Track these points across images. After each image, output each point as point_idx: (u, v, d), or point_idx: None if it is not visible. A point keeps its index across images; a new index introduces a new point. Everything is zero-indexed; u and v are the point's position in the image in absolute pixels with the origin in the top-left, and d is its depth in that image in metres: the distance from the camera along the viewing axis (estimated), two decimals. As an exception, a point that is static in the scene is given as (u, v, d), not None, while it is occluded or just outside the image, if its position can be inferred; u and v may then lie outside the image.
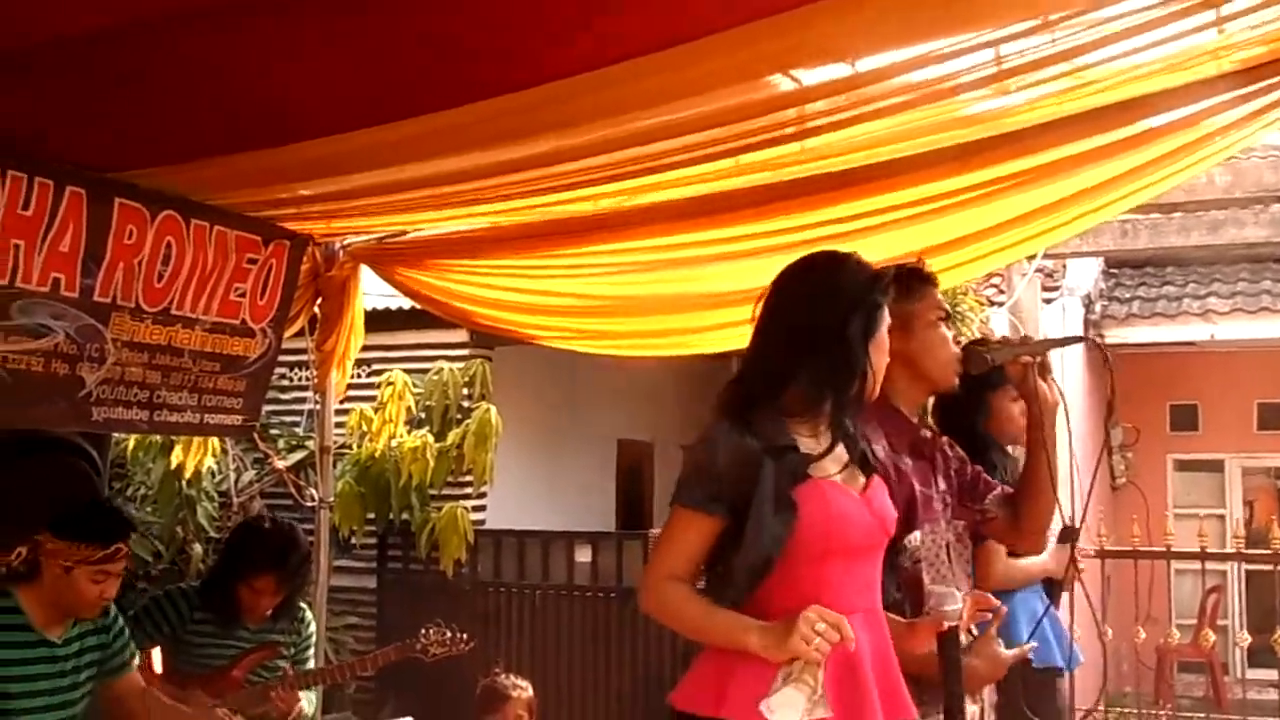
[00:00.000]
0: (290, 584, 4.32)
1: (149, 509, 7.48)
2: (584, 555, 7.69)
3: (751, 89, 3.55)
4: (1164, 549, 5.90)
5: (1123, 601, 6.17)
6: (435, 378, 7.92)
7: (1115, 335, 10.29)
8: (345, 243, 5.50)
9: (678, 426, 10.56)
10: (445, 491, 7.75)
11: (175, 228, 4.44)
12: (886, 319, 2.64)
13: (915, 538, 2.60)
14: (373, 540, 8.35)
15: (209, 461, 6.91)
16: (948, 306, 3.11)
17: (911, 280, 3.03)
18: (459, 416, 7.70)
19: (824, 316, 2.58)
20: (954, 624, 2.50)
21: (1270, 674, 6.59)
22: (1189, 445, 6.43)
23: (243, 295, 4.83)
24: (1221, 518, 10.79)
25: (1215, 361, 11.27)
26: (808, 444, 2.56)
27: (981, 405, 3.49)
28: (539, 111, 3.68)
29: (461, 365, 8.02)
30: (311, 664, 4.47)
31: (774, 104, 3.57)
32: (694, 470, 2.55)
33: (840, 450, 2.60)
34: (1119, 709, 6.46)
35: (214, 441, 6.74)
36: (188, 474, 6.87)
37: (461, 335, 8.44)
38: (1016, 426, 3.56)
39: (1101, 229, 8.83)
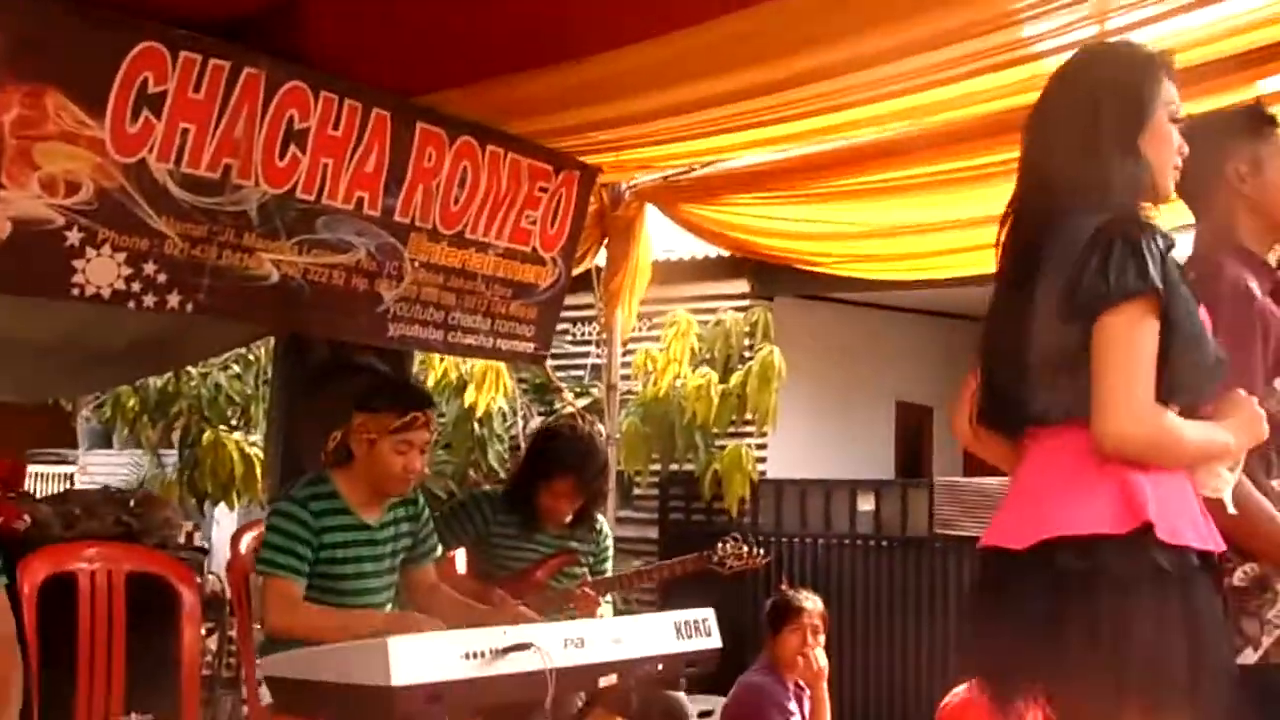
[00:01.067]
0: (588, 489, 4.38)
1: (442, 450, 7.80)
2: (866, 504, 7.63)
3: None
4: None
5: None
6: (718, 325, 7.99)
7: None
8: (631, 183, 5.66)
9: (957, 393, 10.37)
10: (728, 435, 7.82)
11: (471, 153, 4.64)
12: (1163, 108, 2.32)
13: (1240, 394, 2.38)
14: (655, 491, 8.49)
15: (500, 402, 7.16)
16: None
17: (1257, 120, 2.78)
18: (741, 364, 7.73)
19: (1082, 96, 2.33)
20: None
21: None
22: None
23: (534, 223, 4.99)
24: None
25: None
26: None
27: None
28: (816, 18, 3.72)
29: (744, 313, 8.07)
30: (609, 570, 4.56)
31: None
32: (1142, 260, 2.13)
33: None
34: None
35: (505, 381, 7.00)
36: (480, 412, 7.13)
37: (743, 285, 8.52)
38: None
39: None
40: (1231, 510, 2.27)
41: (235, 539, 3.95)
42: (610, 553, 4.55)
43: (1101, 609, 2.10)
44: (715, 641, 3.40)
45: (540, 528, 4.36)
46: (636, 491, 8.26)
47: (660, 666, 3.24)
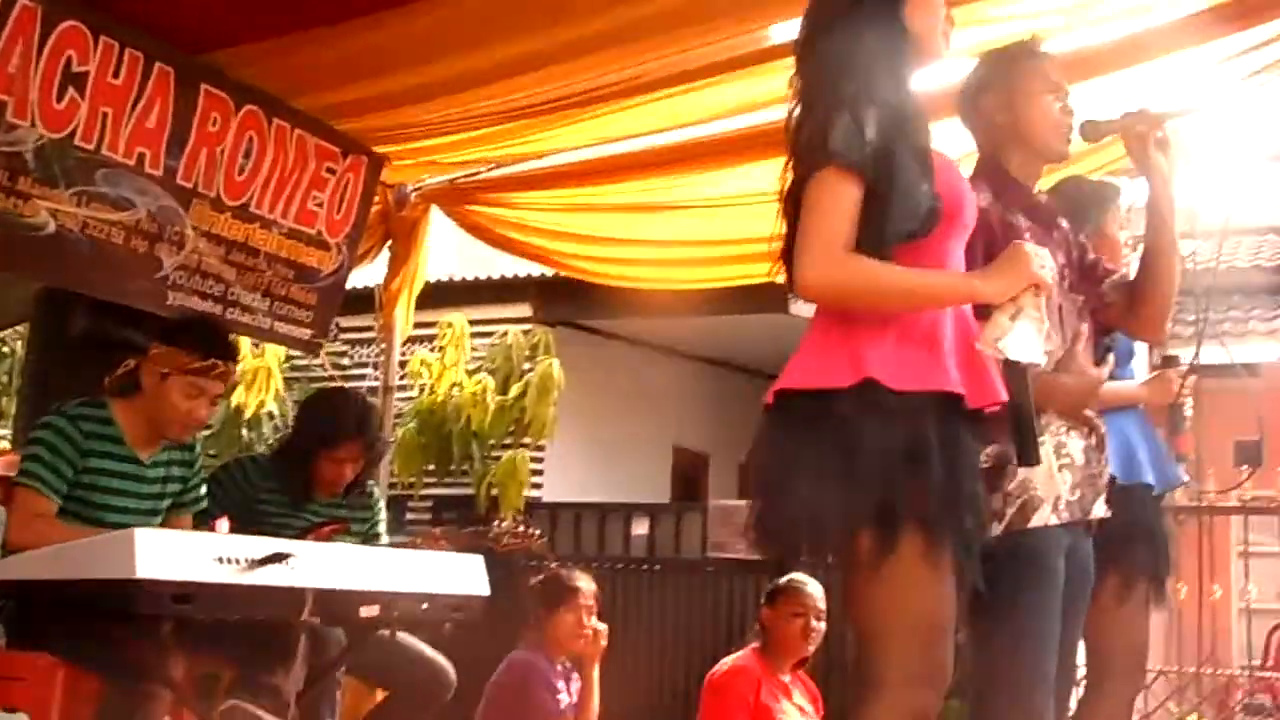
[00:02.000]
0: (373, 451, 4.24)
1: (210, 452, 7.51)
2: (641, 528, 7.67)
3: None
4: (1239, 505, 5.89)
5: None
6: (500, 341, 7.97)
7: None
8: (418, 184, 5.63)
9: (734, 441, 10.56)
10: (504, 447, 7.73)
11: (257, 123, 4.56)
12: None
13: (1017, 244, 2.51)
14: (428, 515, 8.36)
15: (270, 405, 6.99)
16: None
17: (1018, 53, 2.98)
18: (521, 379, 7.72)
19: None
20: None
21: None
22: (1255, 482, 6.31)
23: (320, 205, 4.93)
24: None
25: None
26: None
27: (1082, 217, 3.37)
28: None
29: (526, 335, 8.07)
30: (384, 540, 4.39)
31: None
32: (842, 131, 2.27)
33: None
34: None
35: (276, 382, 6.82)
36: (249, 412, 6.94)
37: (525, 309, 8.56)
38: (1115, 260, 3.33)
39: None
40: (1015, 358, 2.36)
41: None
42: (383, 519, 4.41)
43: (828, 445, 2.26)
44: (484, 589, 3.34)
45: (312, 497, 4.18)
46: (410, 516, 8.14)
47: (425, 606, 3.16)
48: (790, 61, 2.56)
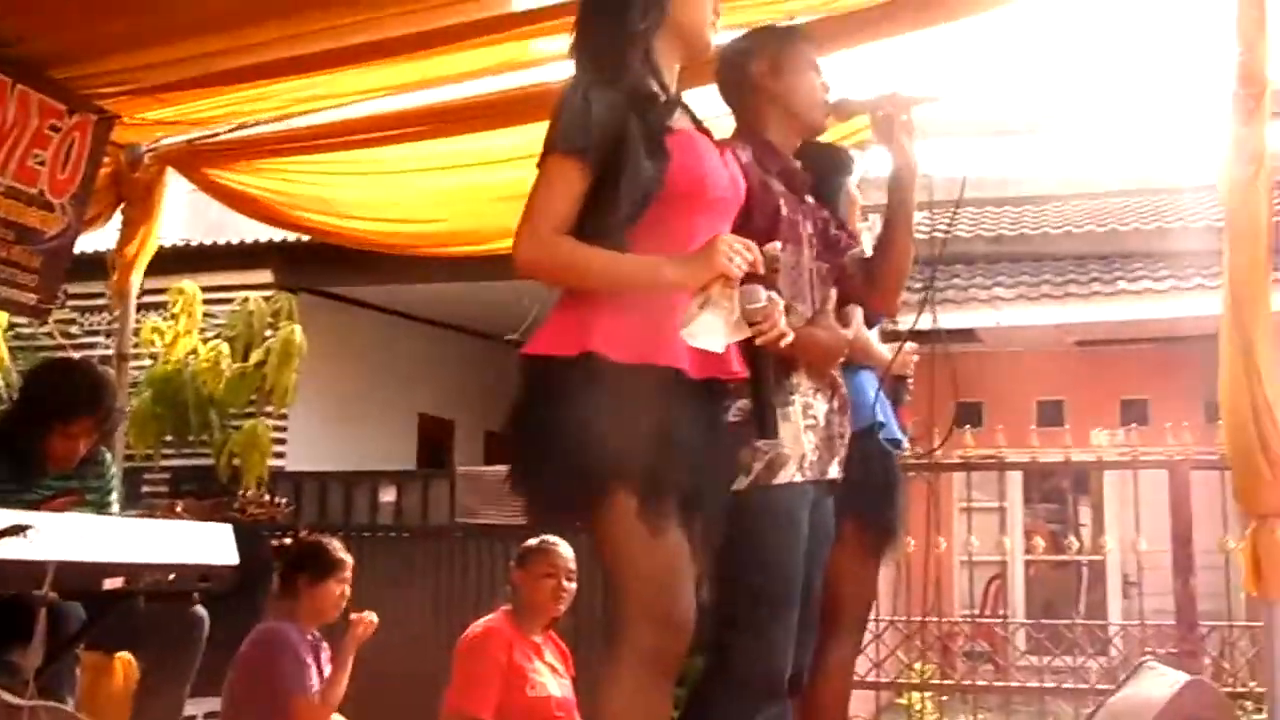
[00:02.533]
0: (108, 423, 4.07)
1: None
2: (388, 495, 7.61)
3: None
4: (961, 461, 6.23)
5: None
6: (240, 308, 7.74)
7: (906, 321, 10.68)
8: (153, 145, 5.42)
9: (479, 408, 10.59)
10: (245, 416, 7.54)
11: (-29, 76, 4.31)
12: None
13: (775, 246, 2.61)
14: (165, 488, 8.10)
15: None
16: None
17: (785, 32, 3.17)
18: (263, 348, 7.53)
19: None
20: (758, 323, 2.51)
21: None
22: (975, 442, 6.69)
23: (42, 164, 4.71)
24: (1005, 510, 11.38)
25: (997, 361, 11.84)
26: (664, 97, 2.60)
27: (837, 192, 3.54)
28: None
29: (268, 295, 7.87)
30: (115, 510, 4.22)
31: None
32: (570, 117, 2.45)
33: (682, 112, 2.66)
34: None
35: (3, 353, 6.48)
36: (-33, 385, 6.58)
37: (266, 275, 8.37)
38: (850, 222, 3.55)
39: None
40: (698, 345, 2.44)
41: None
42: (115, 487, 4.22)
43: (555, 410, 2.43)
44: (232, 558, 3.28)
45: (43, 471, 3.98)
46: (147, 488, 7.85)
47: (172, 576, 3.08)
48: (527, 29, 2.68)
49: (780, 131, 3.07)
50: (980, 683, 6.44)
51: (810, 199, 3.14)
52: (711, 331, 2.40)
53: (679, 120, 2.62)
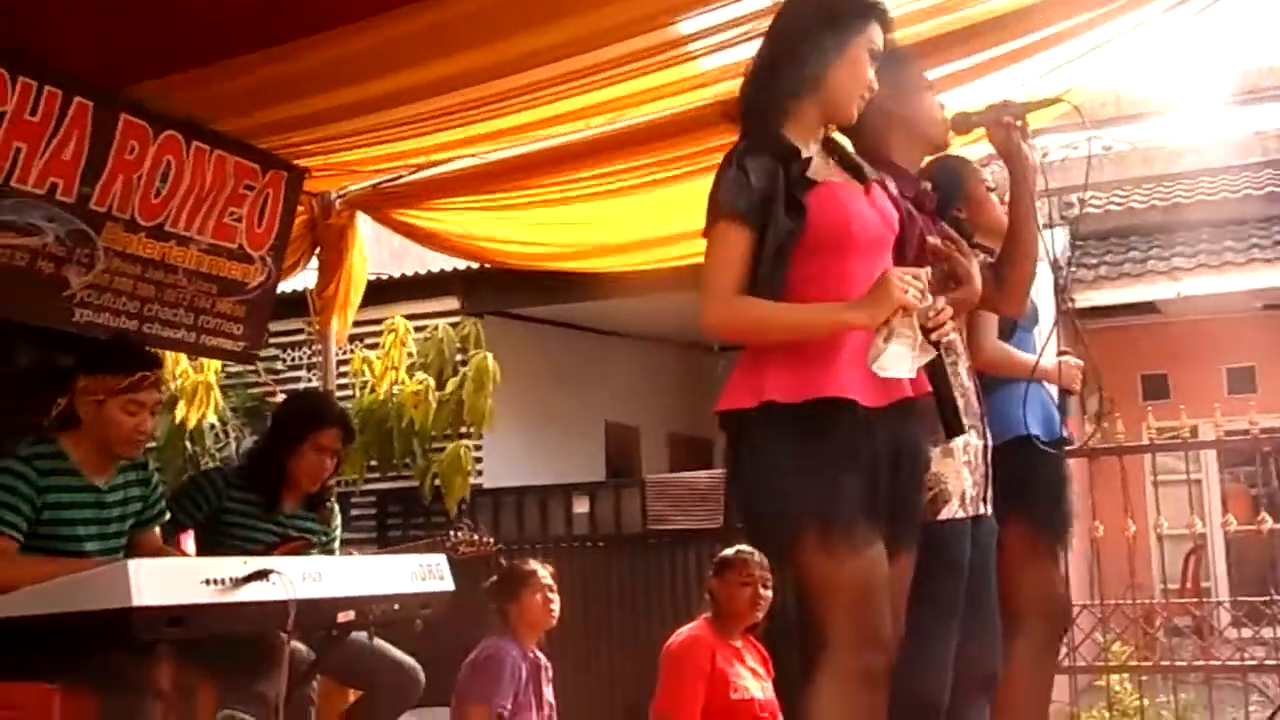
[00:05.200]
0: (349, 439, 4.48)
1: (155, 467, 7.55)
2: (581, 506, 7.85)
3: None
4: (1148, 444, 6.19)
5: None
6: (431, 336, 8.07)
7: (1084, 299, 10.57)
8: (342, 192, 5.73)
9: (666, 413, 10.77)
10: (445, 439, 7.85)
11: (176, 147, 4.66)
12: (864, 44, 2.75)
13: (927, 271, 2.75)
14: (372, 510, 8.49)
15: (211, 417, 7.06)
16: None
17: (895, 54, 3.16)
18: (455, 374, 7.83)
19: (799, 28, 2.76)
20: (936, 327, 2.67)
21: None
22: (1162, 414, 6.59)
23: (239, 220, 5.03)
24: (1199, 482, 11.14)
25: (1181, 331, 11.59)
26: (808, 153, 2.73)
27: (955, 194, 3.60)
28: (506, 9, 3.92)
29: (455, 327, 8.18)
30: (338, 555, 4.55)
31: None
32: (729, 185, 2.63)
33: (833, 161, 2.80)
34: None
35: (216, 397, 6.91)
36: (191, 425, 7.01)
37: (453, 302, 8.69)
38: (992, 212, 3.65)
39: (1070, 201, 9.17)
40: (890, 375, 2.60)
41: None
42: (339, 535, 4.58)
43: (739, 460, 2.68)
44: (449, 585, 3.52)
45: (278, 506, 4.33)
46: (354, 511, 8.24)
47: (397, 606, 3.34)
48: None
49: (905, 153, 3.17)
50: (1179, 662, 6.35)
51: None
52: (900, 361, 2.58)
53: (825, 171, 2.74)
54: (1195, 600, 8.80)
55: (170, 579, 2.70)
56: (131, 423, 3.61)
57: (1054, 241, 9.44)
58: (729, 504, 2.82)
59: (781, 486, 2.57)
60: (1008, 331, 3.62)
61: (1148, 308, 11.47)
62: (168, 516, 3.97)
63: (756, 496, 2.64)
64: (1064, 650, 5.92)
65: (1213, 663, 6.26)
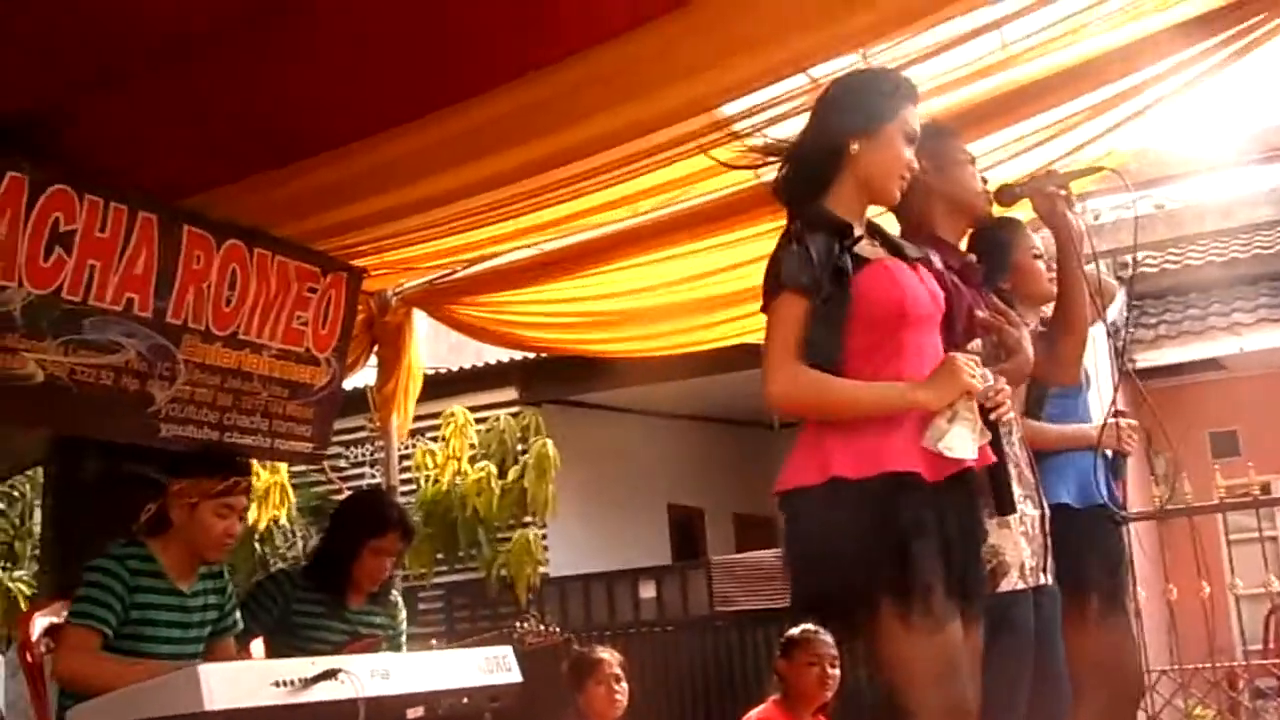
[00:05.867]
0: (408, 541, 4.52)
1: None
2: (648, 591, 7.84)
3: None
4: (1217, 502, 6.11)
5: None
6: (492, 427, 8.16)
7: (1145, 359, 10.51)
8: (398, 289, 5.84)
9: (729, 493, 10.75)
10: (509, 528, 7.91)
11: (239, 255, 4.77)
12: (900, 127, 2.79)
13: (978, 343, 2.80)
14: (439, 604, 8.53)
15: (281, 518, 7.17)
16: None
17: (935, 128, 3.26)
18: (516, 463, 7.91)
19: (837, 114, 2.82)
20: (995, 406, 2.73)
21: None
22: (1232, 472, 6.49)
23: (304, 324, 5.13)
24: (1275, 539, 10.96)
25: (1247, 386, 11.46)
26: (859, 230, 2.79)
27: (1002, 264, 3.62)
28: (554, 104, 4.01)
29: (515, 417, 8.26)
30: (405, 645, 4.61)
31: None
32: (790, 258, 2.67)
33: (876, 243, 2.84)
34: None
35: (290, 495, 7.02)
36: (261, 525, 7.12)
37: (511, 393, 8.78)
38: (1039, 283, 3.66)
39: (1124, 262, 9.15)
40: (955, 456, 2.62)
41: (25, 619, 3.90)
42: (405, 628, 4.61)
43: (805, 537, 2.67)
44: (516, 676, 3.53)
45: (345, 604, 4.39)
46: (422, 605, 8.29)
47: (465, 700, 3.35)
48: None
49: (948, 226, 3.23)
50: (1267, 722, 6.23)
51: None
52: (963, 442, 2.63)
53: (871, 251, 2.79)
54: (1278, 661, 8.62)
55: (241, 682, 2.75)
56: (222, 526, 3.71)
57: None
58: (790, 584, 2.74)
59: (855, 561, 2.56)
60: (1036, 400, 3.61)
61: (1212, 364, 11.36)
62: (240, 627, 4.03)
63: (827, 573, 2.62)
64: (1143, 717, 5.83)
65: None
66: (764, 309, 2.73)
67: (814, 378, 2.64)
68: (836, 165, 2.78)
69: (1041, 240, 3.83)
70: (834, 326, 2.66)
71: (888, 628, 2.56)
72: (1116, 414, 3.78)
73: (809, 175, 2.80)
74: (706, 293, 5.46)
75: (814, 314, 2.65)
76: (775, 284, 2.69)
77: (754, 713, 4.84)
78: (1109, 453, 3.76)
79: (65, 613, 3.68)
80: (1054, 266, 3.66)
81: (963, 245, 3.36)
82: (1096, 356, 3.92)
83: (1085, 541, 3.57)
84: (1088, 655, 3.62)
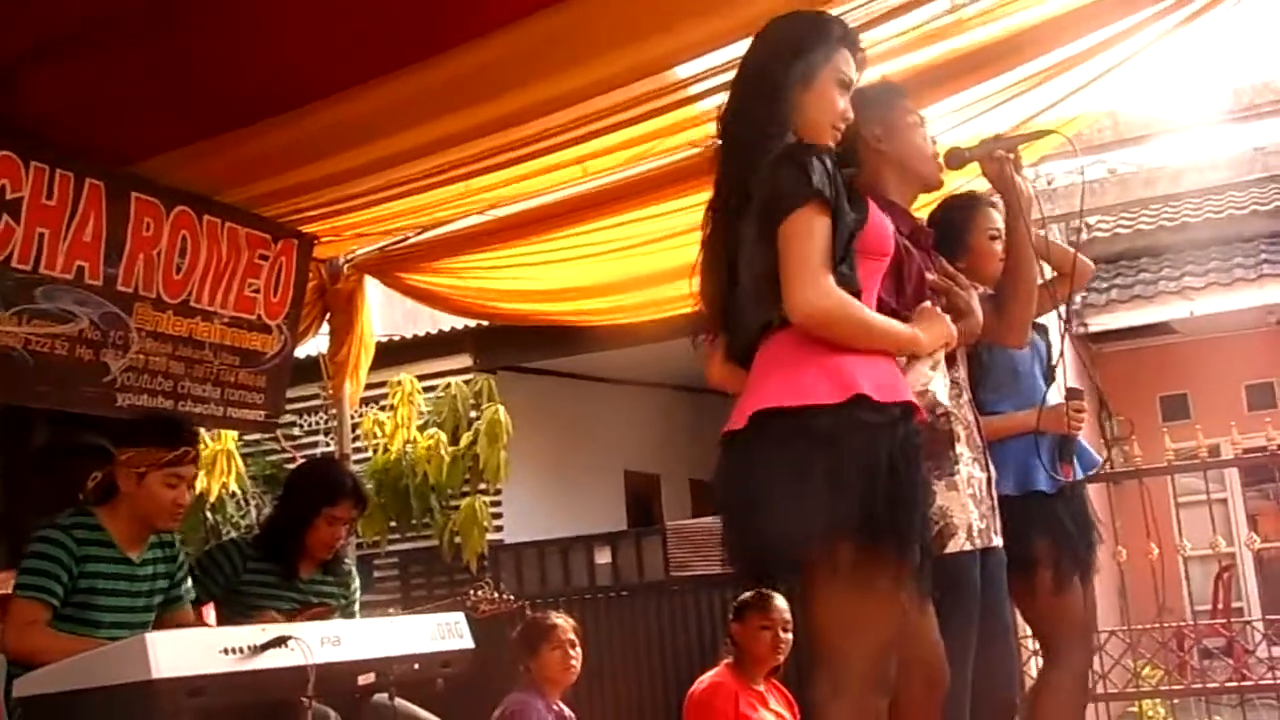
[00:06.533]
0: (362, 509, 4.50)
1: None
2: (603, 557, 7.85)
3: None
4: (1166, 465, 6.17)
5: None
6: (443, 394, 8.14)
7: (1097, 323, 10.60)
8: (349, 256, 5.81)
9: (685, 459, 10.77)
10: (461, 495, 7.88)
11: (189, 222, 4.74)
12: (832, 74, 2.70)
13: (929, 305, 2.80)
14: (395, 571, 8.52)
15: (233, 485, 7.12)
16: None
17: (885, 90, 3.28)
18: (469, 429, 7.88)
19: (766, 61, 2.74)
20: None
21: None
22: (1181, 435, 6.54)
23: (257, 291, 5.11)
24: (1223, 502, 11.14)
25: (1197, 350, 11.60)
26: None
27: (960, 247, 3.64)
28: (506, 66, 3.98)
29: (468, 379, 8.24)
30: (358, 617, 4.57)
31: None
32: (796, 174, 2.52)
33: None
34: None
35: (238, 464, 6.98)
36: (212, 496, 7.08)
37: (465, 360, 8.74)
38: (994, 265, 3.62)
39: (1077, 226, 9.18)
40: (939, 400, 2.70)
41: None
42: (358, 597, 4.60)
43: (814, 459, 2.42)
44: (468, 643, 3.54)
45: (296, 573, 4.36)
46: (377, 574, 8.28)
47: (417, 666, 3.36)
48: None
49: (900, 190, 3.21)
50: (1212, 684, 6.31)
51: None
52: (942, 390, 2.74)
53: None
54: (1225, 620, 8.75)
55: (189, 650, 2.74)
56: (171, 495, 3.68)
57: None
58: (748, 508, 2.48)
59: (860, 494, 2.42)
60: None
61: (1163, 329, 11.47)
62: (193, 595, 4.01)
63: (821, 501, 2.40)
64: (1094, 678, 5.91)
65: (1246, 683, 6.23)
66: (776, 225, 2.53)
67: (844, 296, 2.51)
68: (769, 118, 2.68)
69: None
70: (850, 250, 2.58)
71: (855, 573, 2.46)
72: (1069, 394, 3.81)
73: (747, 130, 2.70)
74: (662, 259, 5.44)
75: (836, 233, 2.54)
76: (787, 201, 2.51)
77: (706, 676, 4.87)
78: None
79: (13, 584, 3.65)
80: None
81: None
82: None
83: (1026, 526, 3.57)
84: (1064, 620, 3.72)
